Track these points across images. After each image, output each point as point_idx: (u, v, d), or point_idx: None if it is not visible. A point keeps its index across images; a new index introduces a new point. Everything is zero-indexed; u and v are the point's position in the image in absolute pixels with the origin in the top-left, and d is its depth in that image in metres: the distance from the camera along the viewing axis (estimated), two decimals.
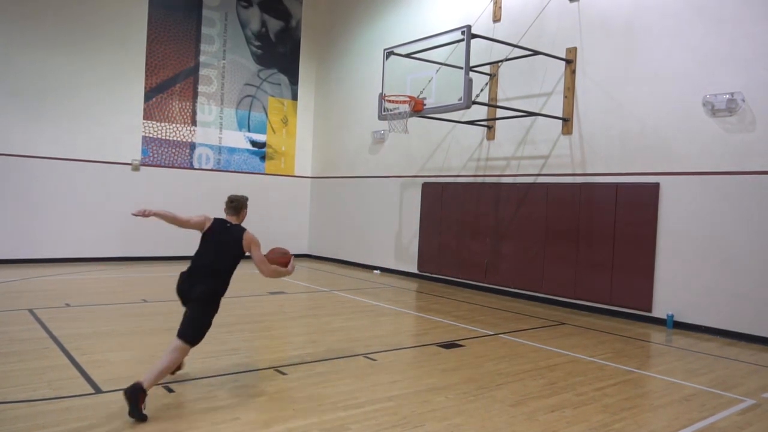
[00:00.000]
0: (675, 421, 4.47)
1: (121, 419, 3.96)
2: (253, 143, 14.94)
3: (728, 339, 7.66)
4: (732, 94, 7.73)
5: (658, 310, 8.46)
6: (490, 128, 11.05)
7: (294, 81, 15.60)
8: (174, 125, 13.68)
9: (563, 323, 8.33)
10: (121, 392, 4.04)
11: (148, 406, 4.21)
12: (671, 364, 6.36)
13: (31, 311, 7.38)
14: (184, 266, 4.81)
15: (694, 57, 8.24)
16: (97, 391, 4.51)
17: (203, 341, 4.63)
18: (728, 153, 7.86)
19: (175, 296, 4.74)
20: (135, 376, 4.90)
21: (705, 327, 7.97)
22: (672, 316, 8.26)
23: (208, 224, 4.91)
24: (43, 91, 12.02)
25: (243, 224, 5.13)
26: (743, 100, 7.69)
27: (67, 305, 7.91)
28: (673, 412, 4.70)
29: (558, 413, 4.49)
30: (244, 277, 11.50)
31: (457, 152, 11.77)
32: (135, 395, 3.94)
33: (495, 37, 9.89)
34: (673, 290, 8.32)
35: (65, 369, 5.05)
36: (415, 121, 11.04)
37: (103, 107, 12.72)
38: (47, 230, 12.09)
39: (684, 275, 8.21)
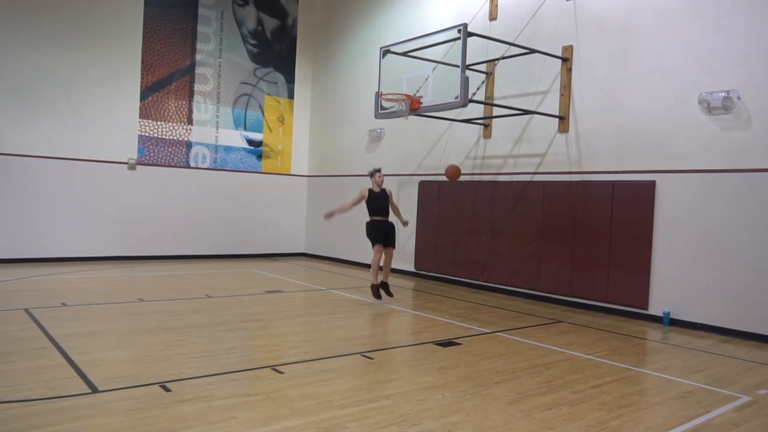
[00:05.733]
0: (672, 418, 4.48)
1: (118, 418, 3.96)
2: (250, 142, 14.92)
3: (724, 336, 7.68)
4: (728, 91, 7.75)
5: (655, 308, 8.48)
6: (487, 126, 11.05)
7: (290, 79, 15.58)
8: (170, 124, 13.65)
9: (560, 321, 8.35)
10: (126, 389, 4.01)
11: (146, 406, 4.21)
12: (668, 361, 6.37)
13: (27, 311, 7.36)
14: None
15: (690, 54, 8.25)
16: (94, 390, 4.50)
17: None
18: (724, 151, 7.88)
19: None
20: (132, 375, 4.92)
21: (701, 324, 8.00)
22: (668, 313, 8.28)
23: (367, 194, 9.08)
24: (38, 90, 11.97)
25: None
26: (739, 98, 7.70)
27: (63, 305, 7.89)
28: (669, 409, 4.72)
29: (555, 411, 4.50)
30: (238, 275, 11.52)
31: (453, 150, 11.77)
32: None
33: (491, 36, 9.89)
34: (670, 288, 8.34)
35: (61, 368, 5.03)
36: (411, 120, 11.04)
37: (99, 106, 12.68)
38: (42, 229, 12.05)
39: (680, 273, 8.24)
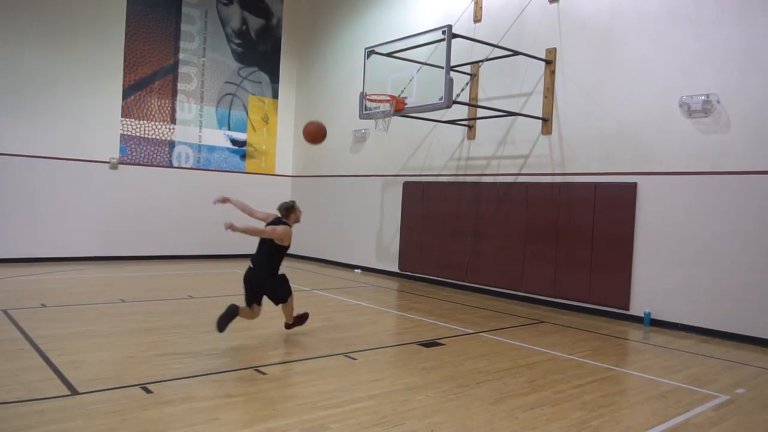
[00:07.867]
0: (652, 418, 4.53)
1: (98, 421, 3.91)
2: (234, 142, 14.83)
3: (704, 336, 7.79)
4: (707, 95, 7.86)
5: (636, 308, 8.57)
6: (471, 128, 11.10)
7: (275, 79, 15.52)
8: (153, 123, 13.53)
9: (542, 321, 8.40)
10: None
11: (127, 407, 4.17)
12: (648, 361, 6.45)
13: (5, 312, 7.25)
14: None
15: (672, 59, 8.36)
16: (74, 392, 4.45)
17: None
18: (704, 153, 8.00)
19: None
20: (113, 377, 4.87)
21: (681, 324, 8.10)
22: (649, 313, 8.38)
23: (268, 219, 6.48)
24: (19, 88, 11.78)
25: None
26: (718, 102, 7.82)
27: (43, 305, 7.78)
28: (649, 408, 4.77)
29: (537, 411, 4.54)
30: (221, 276, 11.44)
31: (438, 151, 11.80)
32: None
33: (476, 37, 9.93)
34: (650, 288, 8.44)
35: (40, 370, 4.97)
36: (396, 121, 11.04)
37: (81, 104, 12.53)
38: (22, 229, 11.87)
39: (661, 274, 8.33)
